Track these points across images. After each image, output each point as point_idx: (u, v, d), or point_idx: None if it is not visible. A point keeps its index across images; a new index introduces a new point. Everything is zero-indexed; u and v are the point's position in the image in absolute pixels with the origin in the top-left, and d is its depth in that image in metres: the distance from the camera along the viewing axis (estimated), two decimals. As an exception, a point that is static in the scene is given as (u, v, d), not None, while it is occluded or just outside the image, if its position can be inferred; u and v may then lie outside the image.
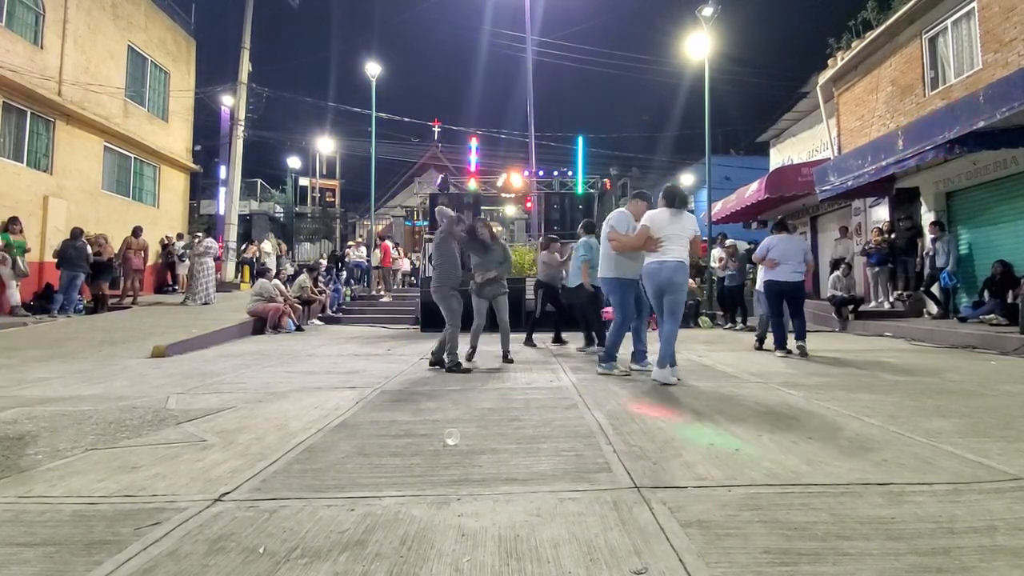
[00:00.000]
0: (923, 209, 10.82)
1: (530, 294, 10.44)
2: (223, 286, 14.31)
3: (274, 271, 11.61)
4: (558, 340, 7.58)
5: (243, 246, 17.98)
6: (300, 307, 10.39)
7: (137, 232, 12.05)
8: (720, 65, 29.37)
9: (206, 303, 11.40)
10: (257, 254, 16.62)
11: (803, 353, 6.08)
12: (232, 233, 16.78)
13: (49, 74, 11.49)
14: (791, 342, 6.27)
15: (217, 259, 13.22)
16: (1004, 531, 1.75)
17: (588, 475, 2.30)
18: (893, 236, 10.93)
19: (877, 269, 11.05)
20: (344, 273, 15.44)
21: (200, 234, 12.63)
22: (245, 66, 16.94)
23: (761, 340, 6.86)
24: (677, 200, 4.80)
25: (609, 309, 5.24)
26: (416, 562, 1.58)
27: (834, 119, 13.71)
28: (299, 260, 19.62)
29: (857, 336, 8.90)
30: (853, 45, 13.20)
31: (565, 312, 7.51)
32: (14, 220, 9.59)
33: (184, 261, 13.11)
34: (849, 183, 9.92)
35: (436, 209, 6.20)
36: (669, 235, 4.66)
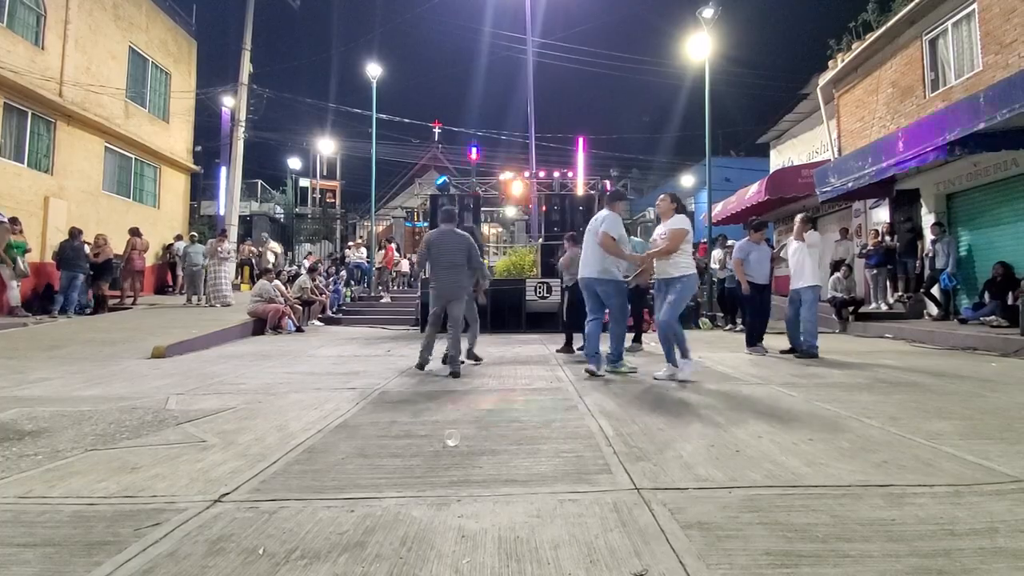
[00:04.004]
0: (923, 211, 10.83)
1: (531, 295, 10.46)
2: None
3: (275, 272, 11.61)
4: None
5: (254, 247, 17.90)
6: (300, 308, 10.40)
7: (138, 232, 12.04)
8: (721, 67, 29.44)
9: (227, 305, 11.35)
10: (252, 254, 16.48)
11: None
12: (233, 234, 16.77)
13: (50, 75, 11.50)
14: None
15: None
16: (1005, 533, 1.75)
17: (588, 476, 2.30)
18: (891, 238, 10.93)
19: (876, 271, 11.05)
20: (344, 273, 15.44)
21: (224, 236, 12.63)
22: (246, 67, 16.96)
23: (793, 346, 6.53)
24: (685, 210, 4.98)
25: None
26: (416, 563, 1.58)
27: (834, 121, 13.71)
28: (298, 262, 19.51)
29: (857, 337, 8.89)
30: (853, 47, 13.21)
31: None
32: (14, 220, 9.60)
33: (186, 262, 13.10)
34: (849, 185, 9.93)
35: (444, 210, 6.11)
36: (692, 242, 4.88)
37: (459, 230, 5.46)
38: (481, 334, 6.12)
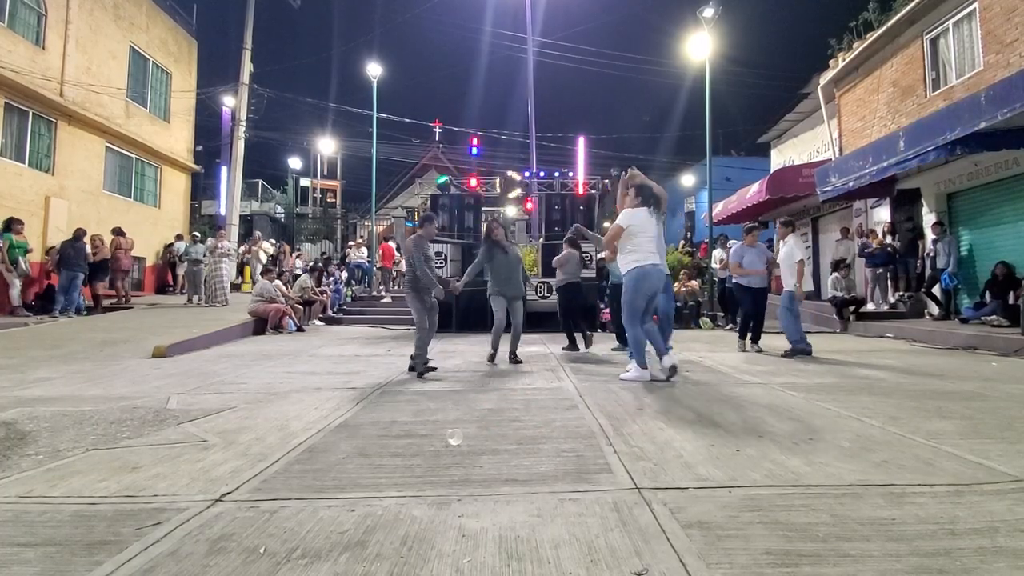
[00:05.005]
0: (924, 210, 10.82)
1: (531, 295, 10.46)
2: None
3: (276, 272, 11.59)
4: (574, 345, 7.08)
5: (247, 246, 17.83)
6: (301, 307, 10.40)
7: (122, 232, 11.87)
8: (721, 66, 29.39)
9: (224, 304, 11.32)
10: (249, 255, 16.33)
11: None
12: (233, 234, 16.76)
13: (51, 75, 11.51)
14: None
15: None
16: (1005, 532, 1.75)
17: (589, 476, 2.30)
18: (893, 237, 10.92)
19: (881, 271, 11.07)
20: (344, 273, 15.43)
21: (222, 234, 12.61)
22: (246, 67, 16.95)
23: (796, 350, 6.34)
24: (652, 200, 4.72)
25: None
26: (416, 563, 1.58)
27: (835, 120, 13.70)
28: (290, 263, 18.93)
29: (858, 337, 8.89)
30: (854, 46, 13.19)
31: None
32: (18, 221, 9.61)
33: (184, 263, 13.09)
34: (850, 184, 9.92)
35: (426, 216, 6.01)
36: (653, 236, 4.60)
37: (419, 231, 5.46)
38: (479, 333, 6.12)
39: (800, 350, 6.21)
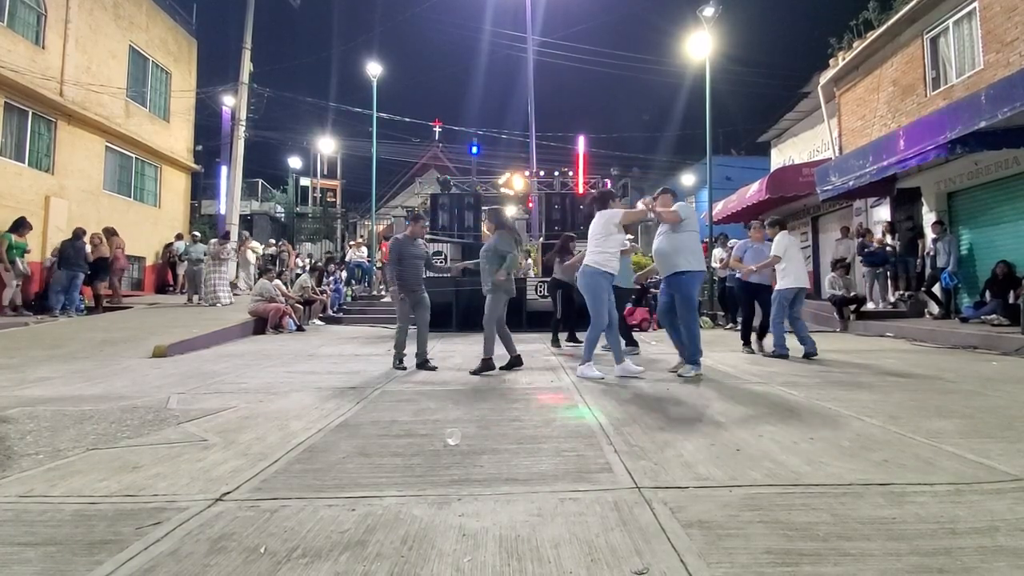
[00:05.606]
0: (924, 209, 10.81)
1: (531, 294, 10.46)
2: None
3: (275, 271, 11.58)
4: (573, 339, 7.58)
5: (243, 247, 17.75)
6: (301, 307, 10.40)
7: (115, 232, 11.75)
8: (721, 65, 29.40)
9: (226, 305, 11.29)
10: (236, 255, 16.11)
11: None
12: (233, 233, 16.75)
13: (51, 74, 11.50)
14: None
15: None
16: (1005, 531, 1.75)
17: (589, 475, 2.30)
18: (892, 237, 10.92)
19: (880, 270, 11.07)
20: (344, 273, 15.43)
21: (227, 238, 12.60)
22: (246, 66, 16.95)
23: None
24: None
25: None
26: (417, 562, 1.58)
27: (835, 119, 13.70)
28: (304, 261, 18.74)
29: (858, 336, 8.89)
30: (854, 45, 13.19)
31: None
32: (27, 225, 9.61)
33: (184, 262, 13.08)
34: (850, 183, 9.92)
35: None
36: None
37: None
38: (479, 333, 6.10)
39: (778, 354, 6.06)
